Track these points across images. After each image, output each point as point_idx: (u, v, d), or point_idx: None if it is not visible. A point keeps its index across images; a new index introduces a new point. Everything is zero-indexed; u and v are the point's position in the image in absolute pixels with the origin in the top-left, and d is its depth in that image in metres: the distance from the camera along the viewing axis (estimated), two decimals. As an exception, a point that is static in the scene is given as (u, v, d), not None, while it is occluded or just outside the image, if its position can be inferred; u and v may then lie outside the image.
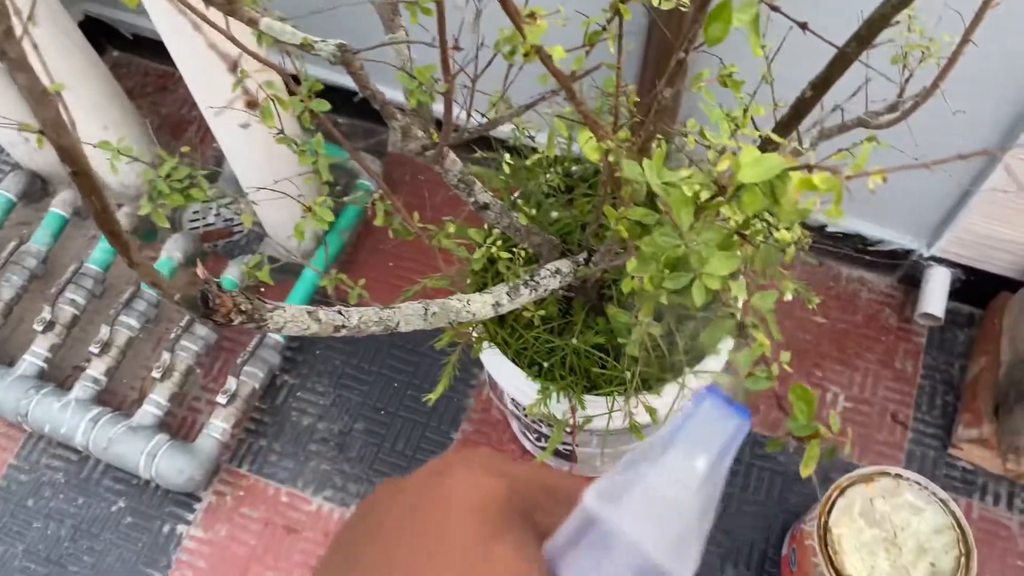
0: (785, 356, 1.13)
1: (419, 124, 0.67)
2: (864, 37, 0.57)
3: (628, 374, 0.93)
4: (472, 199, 0.83)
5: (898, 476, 1.11)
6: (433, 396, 1.00)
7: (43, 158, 1.58)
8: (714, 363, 0.98)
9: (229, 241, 1.58)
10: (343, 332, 0.62)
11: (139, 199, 1.60)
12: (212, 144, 1.69)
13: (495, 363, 1.00)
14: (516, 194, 1.04)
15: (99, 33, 1.75)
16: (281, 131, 0.69)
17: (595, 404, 0.96)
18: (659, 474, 0.27)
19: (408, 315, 0.68)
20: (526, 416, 1.15)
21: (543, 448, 1.25)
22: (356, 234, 1.55)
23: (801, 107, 0.63)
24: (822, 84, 0.61)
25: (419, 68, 0.53)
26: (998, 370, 1.31)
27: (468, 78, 0.58)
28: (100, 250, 1.46)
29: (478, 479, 0.29)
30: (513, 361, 0.99)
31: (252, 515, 1.33)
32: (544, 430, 1.17)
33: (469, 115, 0.67)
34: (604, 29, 0.49)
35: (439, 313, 0.70)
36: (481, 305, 0.76)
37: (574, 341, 0.95)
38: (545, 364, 0.96)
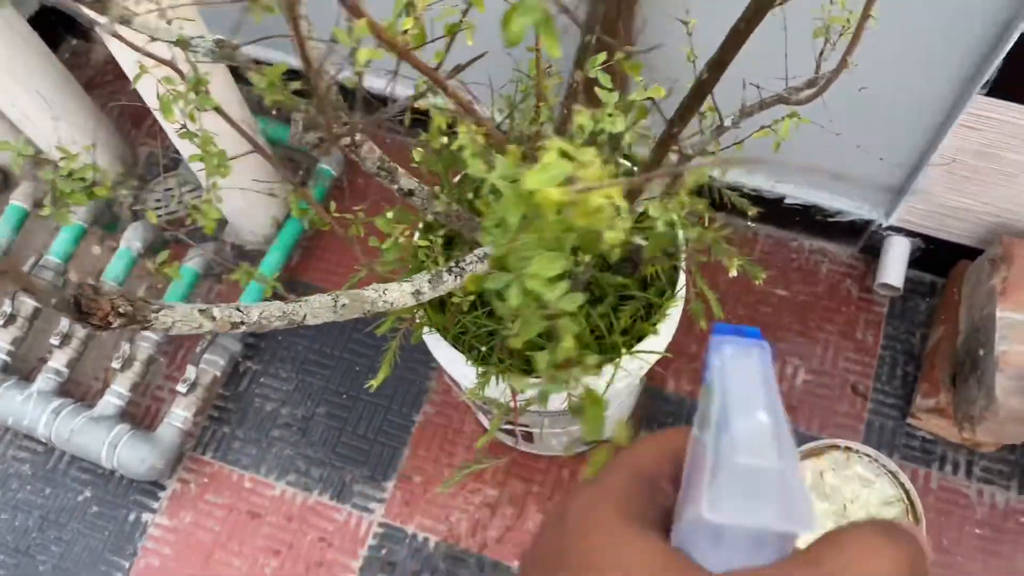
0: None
1: (321, 114, 0.66)
2: (752, 17, 0.56)
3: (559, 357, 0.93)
4: (396, 186, 0.83)
5: (848, 449, 1.11)
6: (375, 382, 1.00)
7: (1, 152, 1.57)
8: (653, 343, 0.98)
9: (193, 228, 1.58)
10: (243, 328, 0.62)
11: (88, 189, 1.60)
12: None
13: (436, 348, 1.00)
14: (457, 178, 1.04)
15: (57, 23, 1.74)
16: (184, 126, 0.68)
17: (535, 387, 0.96)
18: (743, 449, 0.26)
19: (316, 308, 0.68)
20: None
21: (504, 430, 1.26)
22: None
23: (700, 90, 0.62)
24: (718, 65, 0.61)
25: (268, 68, 0.53)
26: (956, 339, 1.30)
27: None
28: (61, 241, 1.46)
29: (593, 501, 0.30)
30: (453, 345, 0.99)
31: (216, 502, 1.34)
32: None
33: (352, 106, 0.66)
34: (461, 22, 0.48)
35: (350, 305, 0.70)
36: (399, 294, 0.76)
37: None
38: (483, 348, 0.96)
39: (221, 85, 1.24)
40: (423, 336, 1.01)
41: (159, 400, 1.43)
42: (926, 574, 0.27)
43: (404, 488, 1.33)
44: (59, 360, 1.37)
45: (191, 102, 0.60)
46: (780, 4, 0.56)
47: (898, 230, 1.36)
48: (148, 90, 1.17)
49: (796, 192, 1.38)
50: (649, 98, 0.64)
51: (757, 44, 1.21)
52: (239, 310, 0.62)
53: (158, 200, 1.61)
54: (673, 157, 0.92)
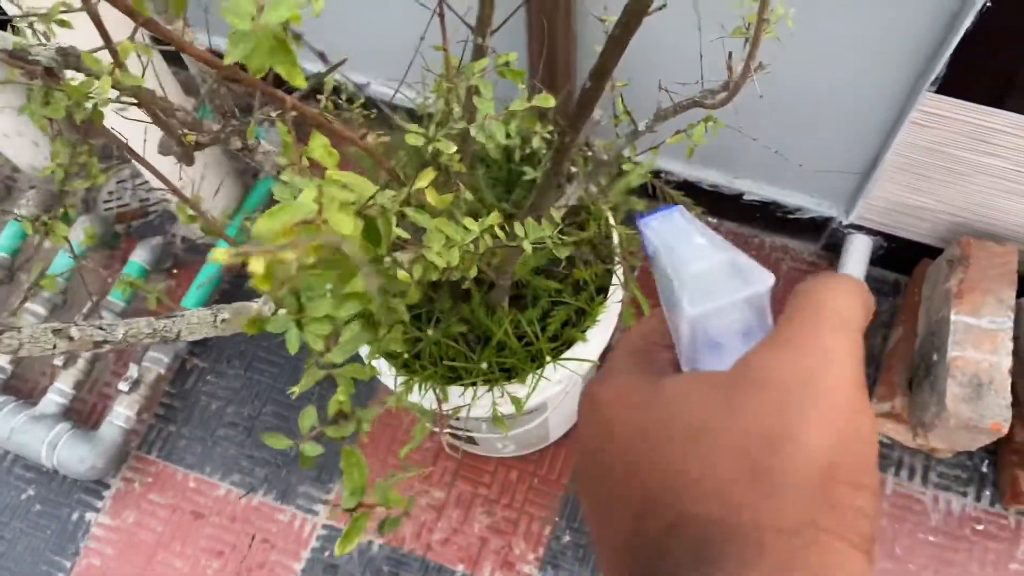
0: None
1: (170, 131, 0.63)
2: (628, 22, 0.53)
3: (484, 365, 0.91)
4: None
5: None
6: (297, 389, 0.98)
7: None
8: (582, 350, 0.95)
9: (144, 221, 1.55)
10: (107, 348, 0.60)
11: (53, 181, 1.57)
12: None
13: (362, 354, 0.97)
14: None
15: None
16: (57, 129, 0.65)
17: (457, 395, 0.94)
18: (695, 259, 0.31)
19: (193, 324, 0.65)
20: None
21: (450, 433, 1.23)
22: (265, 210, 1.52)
23: (585, 98, 0.59)
24: (599, 73, 0.57)
25: (73, 87, 0.50)
26: (914, 341, 1.27)
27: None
28: (6, 236, 1.43)
29: (605, 388, 0.32)
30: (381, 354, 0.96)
31: (160, 501, 1.32)
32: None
33: (228, 117, 0.63)
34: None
35: (231, 320, 0.67)
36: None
37: (430, 332, 0.92)
38: (406, 355, 0.94)
39: (150, 74, 1.20)
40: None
41: (106, 397, 1.41)
42: (871, 311, 0.31)
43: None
44: (2, 357, 1.35)
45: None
46: (657, 10, 0.52)
47: (859, 228, 1.32)
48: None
49: (754, 188, 1.35)
50: (537, 106, 0.61)
51: (675, 47, 1.18)
52: (102, 328, 0.60)
53: (110, 192, 1.59)
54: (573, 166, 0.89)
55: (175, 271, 1.50)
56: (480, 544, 1.26)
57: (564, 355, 0.94)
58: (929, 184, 1.15)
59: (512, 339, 0.93)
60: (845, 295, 0.29)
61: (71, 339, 0.57)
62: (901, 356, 1.27)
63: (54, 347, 0.56)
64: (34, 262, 1.51)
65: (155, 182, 1.35)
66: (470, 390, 0.93)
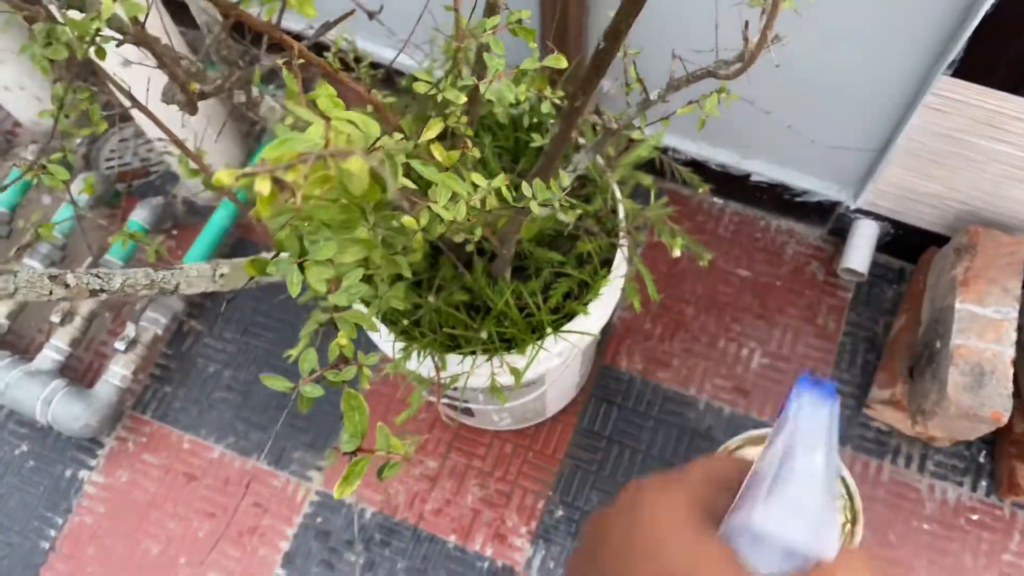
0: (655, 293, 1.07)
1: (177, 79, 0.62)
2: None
3: (484, 334, 0.90)
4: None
5: (790, 439, 1.07)
6: (293, 352, 0.97)
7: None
8: (583, 323, 0.94)
9: (144, 181, 1.54)
10: (104, 296, 0.59)
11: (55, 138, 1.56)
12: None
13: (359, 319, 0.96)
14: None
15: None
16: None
17: (455, 363, 0.93)
18: (798, 482, 0.34)
19: (193, 277, 0.64)
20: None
21: (446, 403, 1.22)
22: (273, 176, 1.51)
23: (598, 59, 0.58)
24: (614, 34, 0.56)
25: (75, 21, 0.48)
26: (917, 329, 1.26)
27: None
28: (11, 190, 1.42)
29: (660, 501, 0.36)
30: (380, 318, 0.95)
31: (153, 462, 1.32)
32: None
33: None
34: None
35: (230, 274, 0.66)
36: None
37: (431, 299, 0.91)
38: (405, 322, 0.93)
39: (158, 31, 1.19)
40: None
41: (102, 356, 1.40)
42: None
43: (345, 457, 1.30)
44: (-1, 312, 1.34)
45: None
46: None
47: (866, 213, 1.31)
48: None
49: (763, 169, 1.33)
50: (549, 67, 0.59)
51: (689, 16, 1.16)
52: (99, 277, 0.59)
53: (112, 151, 1.57)
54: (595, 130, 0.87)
55: (174, 232, 1.49)
56: (473, 515, 1.26)
57: (565, 327, 0.93)
58: (940, 170, 1.14)
59: (513, 310, 0.92)
60: None
61: (67, 286, 0.56)
62: (904, 344, 1.26)
63: (50, 293, 0.56)
64: (32, 212, 1.50)
65: (156, 133, 1.33)
66: (469, 359, 0.92)
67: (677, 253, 0.97)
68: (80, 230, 1.41)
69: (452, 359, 0.92)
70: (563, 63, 0.61)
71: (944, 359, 1.12)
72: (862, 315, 1.36)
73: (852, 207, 1.31)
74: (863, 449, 1.27)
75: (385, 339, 0.96)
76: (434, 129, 0.47)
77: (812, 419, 0.36)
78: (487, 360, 0.92)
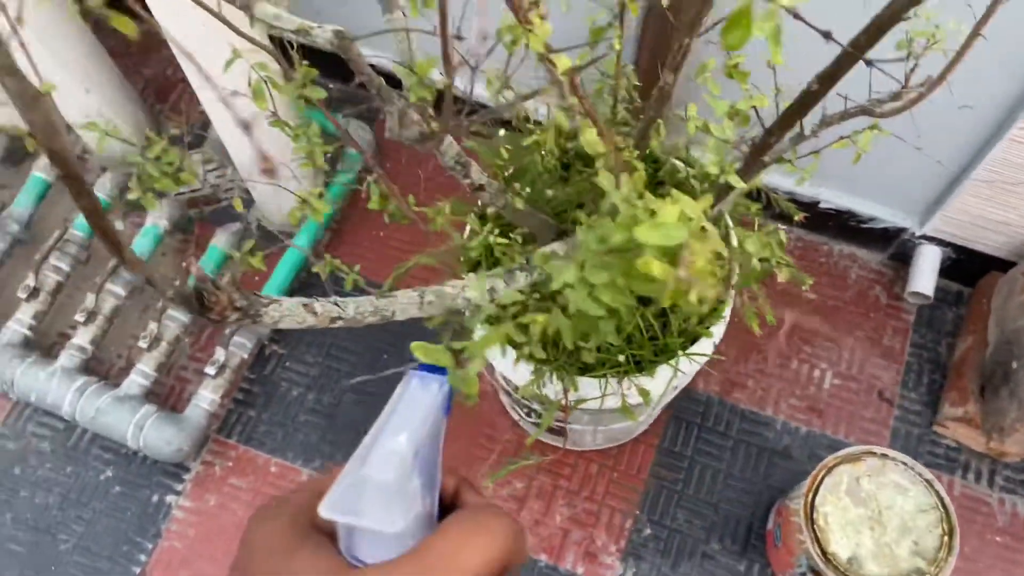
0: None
1: (416, 110, 0.65)
2: (873, 34, 0.56)
3: (622, 357, 0.93)
4: (468, 180, 0.82)
5: (884, 456, 1.12)
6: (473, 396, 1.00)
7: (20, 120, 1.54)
8: (706, 345, 0.98)
9: (216, 207, 1.56)
10: (339, 324, 0.61)
11: (122, 164, 1.57)
12: (199, 107, 1.66)
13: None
14: (510, 171, 1.03)
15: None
16: (274, 113, 0.67)
17: (588, 386, 0.96)
18: (372, 464, 0.33)
19: (404, 304, 0.67)
20: (515, 393, 1.15)
21: (533, 423, 1.26)
22: (345, 203, 1.54)
23: (807, 100, 0.62)
24: (829, 78, 0.60)
25: (420, 63, 0.52)
26: (985, 350, 1.32)
27: (470, 68, 0.56)
28: (27, 192, 1.43)
29: (265, 522, 0.36)
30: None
31: (241, 485, 1.33)
32: (534, 406, 1.17)
33: (468, 103, 0.65)
34: (610, 25, 0.48)
35: (435, 302, 0.69)
36: (476, 292, 0.75)
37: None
38: (528, 346, 0.96)
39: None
40: (476, 332, 1.00)
41: (183, 381, 1.41)
42: (523, 552, 0.35)
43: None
44: (83, 337, 1.35)
45: (289, 89, 0.59)
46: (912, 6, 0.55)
47: (930, 239, 1.37)
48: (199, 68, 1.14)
49: (832, 196, 1.39)
50: (753, 107, 0.64)
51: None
52: (337, 305, 0.62)
53: (182, 177, 1.59)
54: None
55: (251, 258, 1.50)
56: (562, 535, 1.29)
57: (690, 349, 0.97)
58: (1014, 199, 1.20)
59: (643, 333, 0.96)
60: (476, 553, 0.33)
61: (316, 313, 0.59)
62: (972, 364, 1.31)
63: (303, 320, 0.58)
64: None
65: (244, 159, 1.36)
66: (600, 381, 0.96)
67: (783, 278, 1.02)
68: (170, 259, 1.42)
69: (584, 381, 0.96)
70: (765, 103, 0.66)
71: (1022, 379, 1.17)
72: (925, 337, 1.41)
73: (917, 233, 1.37)
74: (933, 465, 1.32)
75: (507, 362, 0.99)
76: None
77: (410, 404, 0.37)
78: (619, 382, 0.96)
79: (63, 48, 1.32)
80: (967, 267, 1.39)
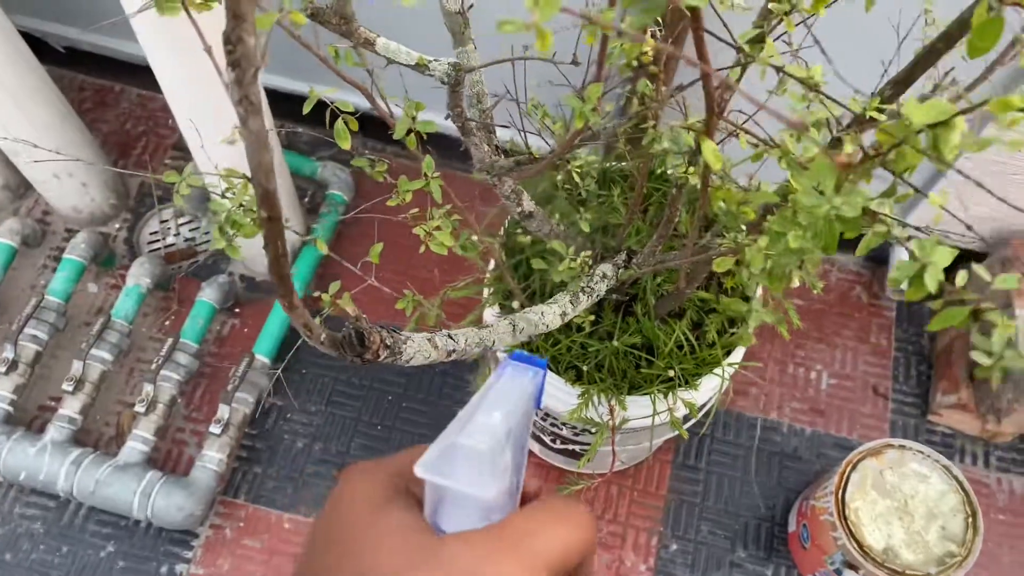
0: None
1: (492, 149, 0.66)
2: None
3: (672, 372, 0.95)
4: (520, 208, 0.82)
5: (902, 447, 1.17)
6: (470, 409, 0.99)
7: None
8: (740, 353, 1.00)
9: (194, 262, 1.51)
10: (454, 356, 0.61)
11: (92, 223, 1.51)
12: (164, 160, 1.61)
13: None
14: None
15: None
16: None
17: (635, 404, 0.97)
18: (468, 433, 0.33)
19: (501, 334, 0.67)
20: (544, 420, 1.15)
21: (559, 450, 1.25)
22: (330, 245, 1.51)
23: (927, 60, 0.64)
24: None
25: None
26: (969, 337, 1.39)
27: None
28: (60, 280, 1.36)
29: (363, 475, 0.37)
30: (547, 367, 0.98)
31: (255, 546, 1.28)
32: (562, 432, 1.17)
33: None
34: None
35: (526, 328, 0.69)
36: (552, 316, 0.75)
37: (614, 343, 0.95)
38: (585, 368, 0.96)
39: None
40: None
41: (181, 443, 1.35)
42: (594, 546, 0.35)
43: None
44: (71, 407, 1.28)
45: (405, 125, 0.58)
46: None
47: (904, 238, 1.44)
48: (193, 113, 1.11)
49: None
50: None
51: None
52: (451, 338, 0.61)
53: (153, 233, 1.54)
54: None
55: (236, 309, 1.46)
56: (591, 560, 1.28)
57: (728, 360, 0.99)
58: (981, 192, 1.28)
59: (682, 347, 0.98)
60: (556, 537, 0.33)
61: (437, 348, 0.58)
62: (959, 351, 1.38)
63: (429, 355, 0.57)
64: (83, 301, 1.44)
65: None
66: (647, 398, 0.97)
67: (797, 283, 1.05)
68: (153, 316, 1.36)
69: (633, 400, 0.97)
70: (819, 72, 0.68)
71: (1013, 361, 1.24)
72: (907, 331, 1.48)
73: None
74: (932, 453, 1.38)
75: (558, 388, 0.99)
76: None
77: (506, 387, 0.38)
78: (665, 397, 0.97)
79: (33, 107, 1.26)
80: (938, 262, 1.47)
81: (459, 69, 0.54)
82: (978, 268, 0.49)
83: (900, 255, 1.45)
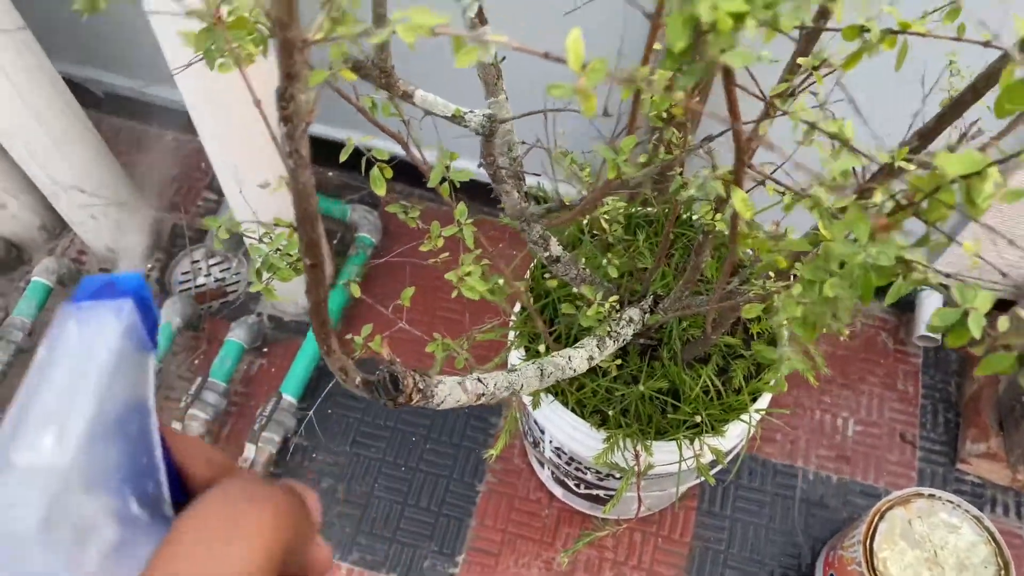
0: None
1: (522, 196, 0.67)
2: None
3: (698, 417, 0.95)
4: (547, 253, 0.84)
5: (932, 496, 1.15)
6: (495, 452, 0.99)
7: (17, 224, 1.50)
8: (767, 400, 1.00)
9: (224, 301, 1.53)
10: (483, 400, 0.61)
11: (120, 264, 1.54)
12: (196, 202, 1.64)
13: (555, 416, 1.00)
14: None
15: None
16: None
17: (661, 450, 0.97)
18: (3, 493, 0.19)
19: (528, 377, 0.68)
20: (569, 465, 1.15)
21: (583, 495, 1.25)
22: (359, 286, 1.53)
23: (953, 112, 0.65)
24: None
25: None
26: (997, 386, 1.37)
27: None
28: (27, 299, 1.39)
29: None
30: (573, 411, 0.99)
31: (278, 587, 1.27)
32: (588, 477, 1.17)
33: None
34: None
35: (554, 372, 0.70)
36: (580, 360, 0.76)
37: (640, 387, 0.96)
38: (611, 412, 0.97)
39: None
40: (539, 406, 1.00)
41: (207, 482, 1.36)
42: (305, 527, 0.25)
43: (475, 560, 1.30)
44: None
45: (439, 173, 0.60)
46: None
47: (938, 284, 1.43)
48: (231, 158, 1.14)
49: None
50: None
51: None
52: (481, 382, 0.62)
53: (185, 273, 1.56)
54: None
55: (265, 349, 1.48)
56: (615, 607, 1.27)
57: (756, 406, 0.99)
58: (1005, 241, 1.28)
59: (708, 392, 0.98)
60: (235, 556, 0.23)
61: (467, 391, 0.59)
62: (987, 400, 1.37)
63: (460, 399, 0.58)
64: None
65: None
66: (675, 443, 0.97)
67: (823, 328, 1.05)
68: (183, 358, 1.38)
69: (659, 445, 0.96)
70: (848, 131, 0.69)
71: (1044, 410, 1.23)
72: (934, 377, 1.47)
73: (919, 279, 1.43)
74: (962, 503, 1.36)
75: (583, 433, 0.99)
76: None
77: (66, 362, 0.22)
78: (691, 443, 0.97)
79: (72, 149, 1.30)
80: (966, 309, 1.46)
81: (493, 120, 0.56)
82: (1016, 313, 0.49)
83: (929, 301, 1.45)
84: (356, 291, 0.72)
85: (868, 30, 0.48)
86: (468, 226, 0.59)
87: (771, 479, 1.37)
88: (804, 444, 1.40)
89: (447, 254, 0.72)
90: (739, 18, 0.26)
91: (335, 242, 1.58)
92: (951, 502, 1.15)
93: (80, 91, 1.66)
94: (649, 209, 1.08)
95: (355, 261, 1.50)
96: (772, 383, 0.98)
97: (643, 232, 1.10)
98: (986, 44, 0.49)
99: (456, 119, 0.56)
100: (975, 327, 0.47)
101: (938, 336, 1.43)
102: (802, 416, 1.42)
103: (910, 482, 1.38)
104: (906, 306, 1.50)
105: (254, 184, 1.22)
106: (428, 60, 0.96)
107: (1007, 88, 0.36)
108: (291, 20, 0.32)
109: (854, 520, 1.23)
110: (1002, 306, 1.40)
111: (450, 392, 0.57)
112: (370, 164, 0.61)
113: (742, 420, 0.96)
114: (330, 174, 1.62)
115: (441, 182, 0.57)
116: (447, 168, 0.56)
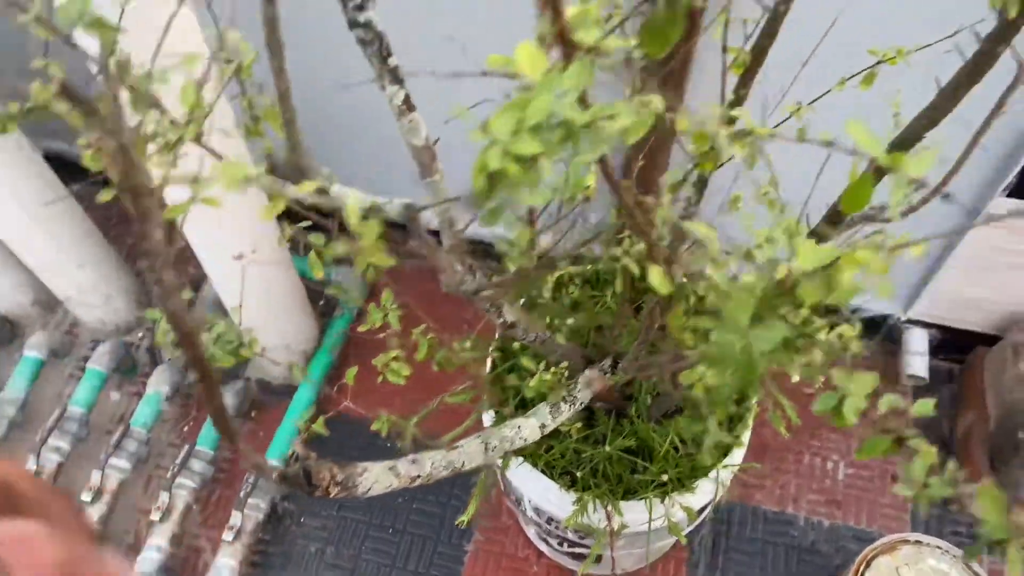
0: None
1: (465, 268, 0.68)
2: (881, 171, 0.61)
3: (666, 476, 0.94)
4: (501, 319, 0.84)
5: (918, 542, 1.13)
6: (465, 517, 0.99)
7: (10, 300, 1.53)
8: (740, 455, 0.99)
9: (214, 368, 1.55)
10: (419, 481, 0.62)
11: (117, 333, 1.57)
12: (185, 270, 1.67)
13: (525, 478, 1.00)
14: (520, 302, 1.05)
15: (58, 168, 1.72)
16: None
17: (631, 509, 0.96)
18: None
19: (471, 453, 0.68)
20: (549, 524, 1.14)
21: (567, 553, 1.24)
22: (342, 349, 1.54)
23: (835, 217, 0.67)
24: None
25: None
26: (987, 424, 1.35)
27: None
28: (83, 390, 1.41)
29: None
30: (543, 473, 0.99)
31: (267, 655, 1.27)
32: (569, 536, 1.16)
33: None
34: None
35: (498, 446, 0.71)
36: (531, 430, 0.77)
37: (606, 448, 0.96)
38: (579, 474, 0.96)
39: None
40: (509, 468, 1.00)
41: (197, 550, 1.36)
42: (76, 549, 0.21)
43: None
44: (90, 517, 1.30)
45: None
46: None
47: (916, 322, 1.43)
48: (206, 236, 1.16)
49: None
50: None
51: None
52: (415, 463, 0.62)
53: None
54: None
55: (252, 414, 1.49)
56: (606, 665, 1.25)
57: (724, 462, 0.98)
58: (991, 278, 1.27)
59: (678, 448, 0.97)
60: None
61: (399, 475, 0.60)
62: (978, 439, 1.35)
63: (390, 484, 0.59)
64: (105, 410, 1.48)
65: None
66: (644, 502, 0.96)
67: (797, 378, 1.05)
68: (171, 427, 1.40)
69: (628, 505, 0.96)
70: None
71: (1032, 448, 1.21)
72: (925, 417, 1.45)
73: (903, 318, 1.42)
74: (960, 544, 1.33)
75: (555, 495, 0.99)
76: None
77: None
78: (661, 502, 0.96)
79: (56, 226, 1.33)
80: (954, 345, 1.45)
81: (411, 209, 0.57)
82: (891, 399, 0.50)
83: (913, 338, 1.44)
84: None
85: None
86: (395, 311, 0.60)
87: (762, 526, 1.35)
88: (794, 489, 1.38)
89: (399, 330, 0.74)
90: (533, 159, 0.27)
91: (321, 303, 1.59)
92: (939, 547, 1.13)
93: (68, 167, 1.70)
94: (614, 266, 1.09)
95: (340, 324, 1.52)
96: (741, 438, 0.98)
97: (610, 288, 1.10)
98: (827, 144, 0.50)
99: (373, 209, 0.57)
100: (850, 413, 0.47)
101: (925, 375, 1.42)
102: (792, 460, 1.41)
103: (903, 525, 1.36)
104: (895, 341, 1.49)
105: (229, 258, 1.24)
106: (364, 144, 0.98)
107: (854, 187, 0.37)
108: (135, 170, 0.34)
109: (846, 566, 1.22)
110: (989, 341, 1.39)
111: (376, 479, 0.57)
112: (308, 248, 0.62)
113: (710, 479, 0.96)
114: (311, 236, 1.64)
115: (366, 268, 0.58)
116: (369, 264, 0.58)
